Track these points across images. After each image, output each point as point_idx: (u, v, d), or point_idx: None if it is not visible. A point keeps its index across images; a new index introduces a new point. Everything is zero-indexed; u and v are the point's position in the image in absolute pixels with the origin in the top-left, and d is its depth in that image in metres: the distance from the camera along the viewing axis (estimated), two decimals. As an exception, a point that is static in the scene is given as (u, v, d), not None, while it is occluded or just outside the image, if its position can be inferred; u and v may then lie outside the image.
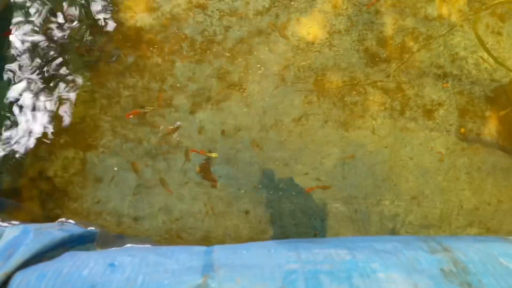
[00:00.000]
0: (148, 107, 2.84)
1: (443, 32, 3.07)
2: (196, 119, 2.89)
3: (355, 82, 2.94)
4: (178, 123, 2.87)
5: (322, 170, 2.79)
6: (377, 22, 3.13)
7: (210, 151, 2.75)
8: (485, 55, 2.92)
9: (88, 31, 2.98)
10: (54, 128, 2.84)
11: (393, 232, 2.68)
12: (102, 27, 3.00)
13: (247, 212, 2.69)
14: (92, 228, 2.59)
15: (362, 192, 2.72)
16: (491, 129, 2.86)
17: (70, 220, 2.69)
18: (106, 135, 2.86)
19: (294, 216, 2.71)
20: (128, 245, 2.60)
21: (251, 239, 2.71)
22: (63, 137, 2.84)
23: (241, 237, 2.71)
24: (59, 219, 2.69)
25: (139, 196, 2.78)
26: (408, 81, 2.94)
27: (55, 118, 2.85)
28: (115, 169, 2.80)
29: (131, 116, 2.82)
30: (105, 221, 2.74)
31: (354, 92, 2.92)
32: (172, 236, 2.73)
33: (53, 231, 1.86)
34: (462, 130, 2.92)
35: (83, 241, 2.20)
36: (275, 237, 2.68)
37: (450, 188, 2.74)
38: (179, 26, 3.05)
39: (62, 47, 2.93)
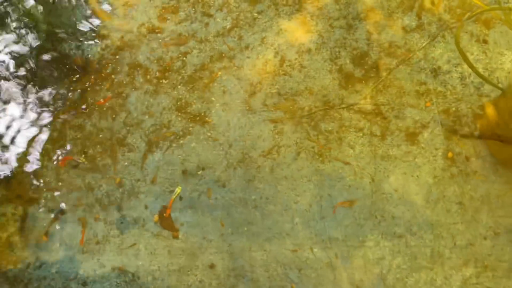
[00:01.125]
0: (81, 159, 2.36)
1: (424, 44, 2.61)
2: (154, 159, 2.40)
3: (329, 106, 2.48)
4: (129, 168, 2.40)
5: (297, 210, 2.33)
6: (350, 38, 2.68)
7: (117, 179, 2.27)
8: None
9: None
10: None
11: (380, 278, 2.22)
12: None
13: (212, 266, 2.21)
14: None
15: (342, 233, 2.27)
16: (481, 151, 2.41)
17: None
18: (50, 184, 2.38)
19: (267, 266, 2.24)
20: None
21: None
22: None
23: None
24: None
25: (89, 254, 2.29)
26: (387, 102, 2.50)
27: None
28: (61, 224, 2.32)
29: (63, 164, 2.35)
30: (49, 288, 2.26)
31: (329, 118, 2.46)
32: None
33: None
34: (450, 154, 2.49)
35: None
36: None
37: (441, 222, 2.30)
38: (131, 55, 2.57)
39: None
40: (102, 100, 2.48)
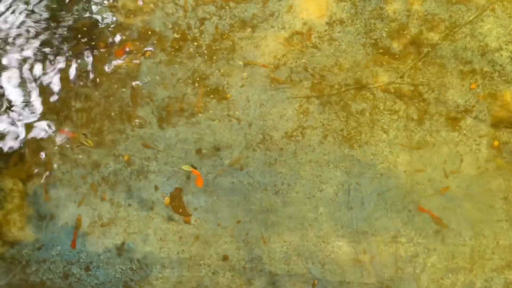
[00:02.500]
0: (88, 141, 2.06)
1: (470, 18, 2.22)
2: (165, 136, 2.08)
3: (361, 85, 2.12)
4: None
5: (322, 199, 2.01)
6: (387, 8, 2.28)
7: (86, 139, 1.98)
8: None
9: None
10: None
11: (413, 278, 1.91)
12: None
13: (225, 258, 1.93)
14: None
15: (372, 226, 1.96)
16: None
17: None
18: (54, 159, 2.10)
19: (287, 260, 1.94)
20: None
21: None
22: None
23: None
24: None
25: (92, 237, 2.02)
26: (427, 82, 2.13)
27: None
28: (63, 203, 2.05)
29: (63, 134, 2.05)
30: (49, 272, 2.01)
31: (360, 98, 2.11)
32: None
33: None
34: (496, 143, 2.12)
35: None
36: None
37: (483, 218, 1.98)
38: (144, 20, 2.24)
39: None
40: (119, 51, 2.14)
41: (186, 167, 2.11)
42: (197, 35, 2.29)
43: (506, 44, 2.30)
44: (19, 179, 2.14)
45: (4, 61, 2.20)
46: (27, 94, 2.18)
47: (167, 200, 2.09)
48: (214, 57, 2.24)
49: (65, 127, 2.15)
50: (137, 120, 2.20)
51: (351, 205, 2.10)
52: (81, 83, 2.26)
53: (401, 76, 2.24)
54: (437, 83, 2.24)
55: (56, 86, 2.25)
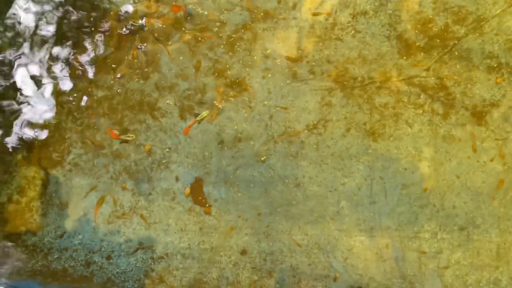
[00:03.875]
0: (131, 135, 2.03)
1: (498, 12, 2.14)
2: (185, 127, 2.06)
3: (386, 78, 2.05)
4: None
5: (344, 193, 1.96)
6: (412, 0, 2.20)
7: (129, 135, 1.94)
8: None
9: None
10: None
11: (436, 275, 1.84)
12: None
13: (243, 252, 1.89)
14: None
15: (395, 221, 1.89)
16: None
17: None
18: (75, 147, 2.07)
19: (308, 252, 1.89)
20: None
21: (253, 283, 1.91)
22: (21, 151, 2.06)
23: (240, 281, 1.91)
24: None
25: (114, 226, 1.99)
26: (453, 76, 2.03)
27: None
28: (85, 192, 2.03)
29: (111, 135, 2.03)
30: (71, 260, 1.98)
31: (385, 91, 2.04)
32: (153, 280, 1.95)
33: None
34: None
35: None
36: (283, 282, 1.88)
37: (509, 215, 1.90)
38: (166, 8, 2.20)
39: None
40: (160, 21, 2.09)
41: (203, 114, 2.05)
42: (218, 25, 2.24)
43: (534, 38, 2.21)
44: (41, 167, 2.12)
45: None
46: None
47: (187, 190, 2.05)
48: (235, 48, 2.19)
49: (114, 129, 2.12)
50: (157, 113, 2.16)
51: (373, 199, 2.04)
52: (101, 72, 2.22)
53: (426, 69, 2.16)
54: (463, 76, 2.16)
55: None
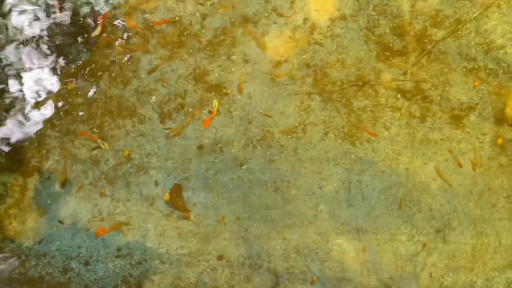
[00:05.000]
0: (104, 145, 2.02)
1: (475, 15, 2.14)
2: (166, 133, 2.04)
3: (363, 82, 2.06)
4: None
5: (322, 196, 1.97)
6: (391, 4, 2.21)
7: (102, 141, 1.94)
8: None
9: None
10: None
11: (413, 277, 1.86)
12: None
13: (225, 253, 1.89)
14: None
15: (372, 224, 1.91)
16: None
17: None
18: (53, 154, 2.06)
19: (286, 257, 1.90)
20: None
21: None
22: None
23: (218, 286, 1.92)
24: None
25: (92, 232, 1.99)
26: (430, 79, 2.05)
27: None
28: (64, 198, 2.03)
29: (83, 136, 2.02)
30: (49, 267, 1.98)
31: (362, 95, 2.06)
32: (130, 286, 1.95)
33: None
34: (500, 140, 2.06)
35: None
36: (261, 286, 1.89)
37: (485, 217, 1.92)
38: (144, 14, 2.19)
39: None
40: (157, 20, 2.07)
41: (215, 104, 2.05)
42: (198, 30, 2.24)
43: (511, 41, 2.23)
44: (19, 174, 2.11)
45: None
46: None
47: (166, 196, 2.05)
48: (215, 53, 2.18)
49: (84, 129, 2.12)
50: (136, 118, 2.16)
51: (351, 202, 2.05)
52: (81, 79, 2.21)
53: (404, 73, 2.17)
54: (440, 80, 2.18)
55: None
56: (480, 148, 2.06)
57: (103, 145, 1.94)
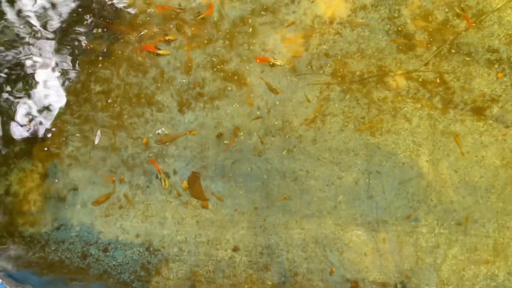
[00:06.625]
0: (165, 179, 2.01)
1: (498, 5, 2.07)
2: (184, 121, 2.02)
3: (384, 72, 2.02)
4: (161, 129, 2.04)
5: (341, 187, 1.94)
6: None
7: (166, 175, 1.92)
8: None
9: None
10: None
11: (433, 269, 1.83)
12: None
13: (243, 242, 1.87)
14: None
15: (392, 216, 1.87)
16: None
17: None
18: (73, 141, 2.06)
19: (304, 247, 1.88)
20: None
21: (249, 276, 1.90)
22: (19, 144, 2.06)
23: (236, 275, 1.90)
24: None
25: (111, 219, 1.98)
26: (452, 70, 2.02)
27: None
28: (82, 184, 2.01)
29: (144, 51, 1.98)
30: (68, 252, 1.98)
31: (383, 86, 2.02)
32: (149, 273, 1.94)
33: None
34: None
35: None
36: (279, 275, 1.86)
37: (507, 210, 1.88)
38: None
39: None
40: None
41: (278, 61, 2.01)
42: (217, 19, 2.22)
43: (535, 33, 2.17)
44: (38, 160, 2.11)
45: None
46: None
47: (185, 184, 2.03)
48: (234, 42, 2.16)
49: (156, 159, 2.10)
50: (155, 106, 2.14)
51: (371, 193, 2.02)
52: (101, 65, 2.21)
53: (425, 64, 2.13)
54: (462, 71, 2.13)
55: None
56: (503, 141, 2.01)
57: (164, 181, 1.92)
